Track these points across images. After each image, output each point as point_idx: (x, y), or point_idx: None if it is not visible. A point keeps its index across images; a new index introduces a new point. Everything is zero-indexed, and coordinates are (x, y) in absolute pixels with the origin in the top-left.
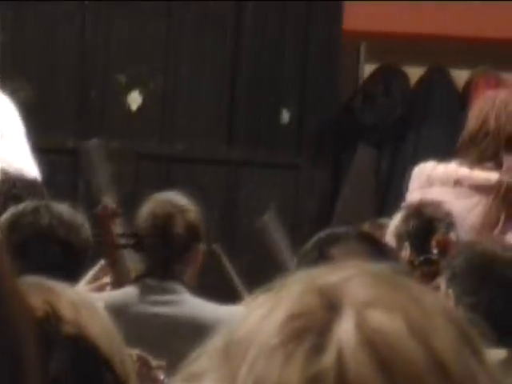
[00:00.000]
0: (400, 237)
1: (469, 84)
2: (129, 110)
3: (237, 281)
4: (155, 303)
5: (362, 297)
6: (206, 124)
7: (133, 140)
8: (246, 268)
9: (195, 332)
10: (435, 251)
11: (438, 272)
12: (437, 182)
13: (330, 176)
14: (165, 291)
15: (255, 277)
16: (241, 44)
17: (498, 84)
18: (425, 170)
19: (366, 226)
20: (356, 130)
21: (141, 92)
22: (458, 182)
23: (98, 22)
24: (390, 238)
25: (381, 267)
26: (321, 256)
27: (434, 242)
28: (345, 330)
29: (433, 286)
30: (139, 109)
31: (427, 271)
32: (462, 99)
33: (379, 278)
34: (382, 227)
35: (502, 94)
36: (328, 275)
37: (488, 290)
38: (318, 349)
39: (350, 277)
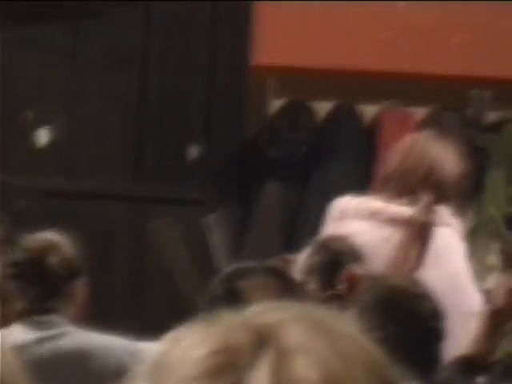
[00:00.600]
0: (307, 271)
1: (376, 119)
2: (35, 146)
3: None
4: (41, 340)
5: (289, 342)
6: (112, 160)
7: (39, 177)
8: (155, 305)
9: (83, 363)
10: (343, 286)
11: (345, 307)
12: (351, 214)
13: (238, 211)
14: (47, 326)
15: (165, 314)
16: (147, 80)
17: (405, 119)
18: (339, 203)
19: (274, 261)
20: (263, 166)
21: (47, 129)
22: (372, 215)
23: (3, 58)
24: (297, 273)
25: (318, 312)
26: (229, 291)
27: (341, 277)
28: (261, 374)
29: None
30: (46, 146)
31: (335, 306)
32: (368, 134)
33: (312, 325)
34: (290, 262)
35: (423, 134)
36: (265, 314)
37: (396, 324)
38: None
39: (284, 320)
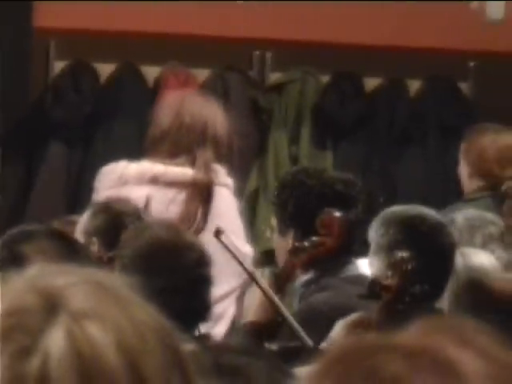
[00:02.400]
0: (88, 233)
1: (159, 80)
2: None
3: None
4: None
5: (81, 306)
6: None
7: None
8: None
9: None
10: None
11: None
12: (131, 180)
13: (22, 173)
14: None
15: None
16: None
17: (187, 80)
18: (116, 169)
19: (57, 223)
20: (47, 128)
21: None
22: (154, 179)
23: None
24: (79, 235)
25: (107, 277)
26: (11, 254)
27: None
28: (55, 337)
29: None
30: None
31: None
32: (152, 96)
33: (102, 289)
34: (73, 224)
35: (192, 94)
36: (52, 277)
37: (157, 279)
38: (26, 351)
39: (73, 283)
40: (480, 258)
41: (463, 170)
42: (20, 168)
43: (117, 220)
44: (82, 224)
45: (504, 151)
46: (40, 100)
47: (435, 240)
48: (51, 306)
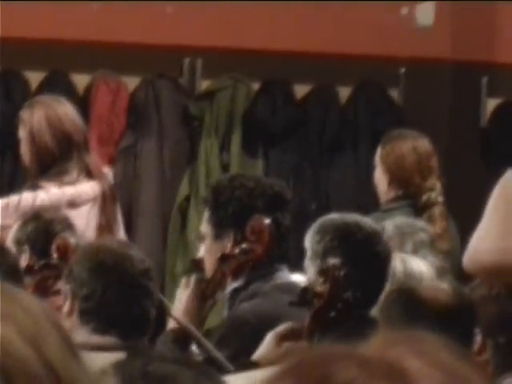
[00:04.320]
0: (19, 242)
1: (89, 88)
2: None
3: None
4: None
5: None
6: None
7: None
8: None
9: None
10: (55, 255)
11: (59, 276)
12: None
13: None
14: None
15: None
16: None
17: (118, 88)
18: (24, 201)
19: None
20: None
21: None
22: (70, 203)
23: None
24: (11, 244)
25: None
26: None
27: (54, 246)
28: None
29: (54, 289)
30: None
31: (48, 275)
32: (83, 104)
33: None
34: (6, 231)
35: (53, 103)
36: None
37: (100, 281)
38: None
39: None
40: (419, 266)
41: (380, 176)
42: None
43: (47, 228)
44: (13, 233)
45: (425, 160)
46: None
47: (370, 248)
48: None
